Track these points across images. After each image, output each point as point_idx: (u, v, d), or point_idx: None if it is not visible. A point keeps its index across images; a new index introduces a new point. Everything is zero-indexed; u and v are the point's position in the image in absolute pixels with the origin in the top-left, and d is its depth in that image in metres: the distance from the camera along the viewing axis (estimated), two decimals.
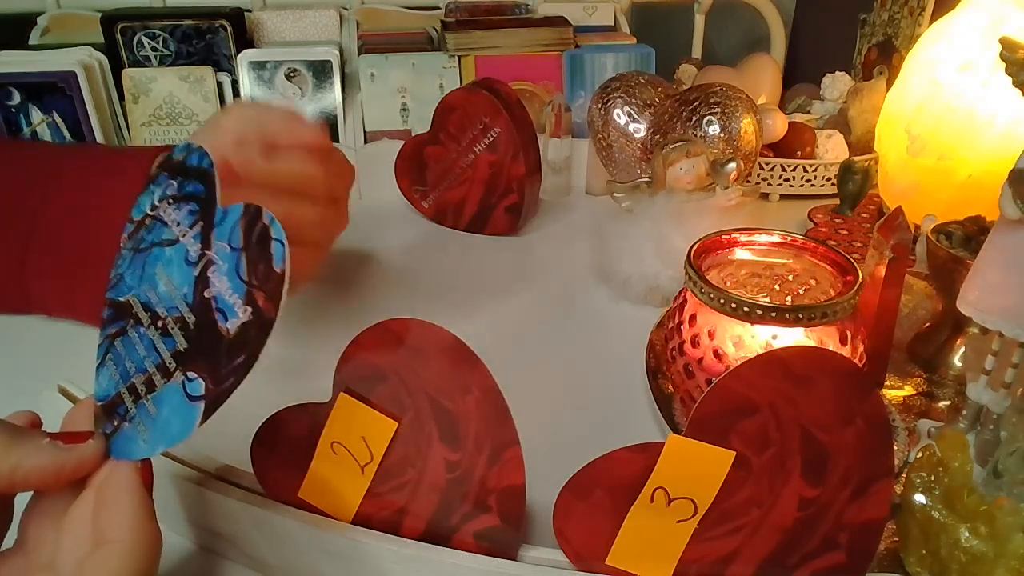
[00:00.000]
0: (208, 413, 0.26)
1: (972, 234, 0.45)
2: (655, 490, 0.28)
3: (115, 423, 0.28)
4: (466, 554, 0.30)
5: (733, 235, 0.43)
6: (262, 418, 0.33)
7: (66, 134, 0.72)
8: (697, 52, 1.09)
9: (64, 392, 0.39)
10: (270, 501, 0.33)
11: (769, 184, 0.76)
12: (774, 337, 0.37)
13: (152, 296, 0.29)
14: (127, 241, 0.31)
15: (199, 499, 0.34)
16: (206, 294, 0.27)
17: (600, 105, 0.72)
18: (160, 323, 0.28)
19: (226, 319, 0.26)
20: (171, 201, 0.30)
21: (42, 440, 0.26)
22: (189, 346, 0.27)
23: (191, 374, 0.27)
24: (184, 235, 0.29)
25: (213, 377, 0.26)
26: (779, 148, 0.75)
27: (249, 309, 0.26)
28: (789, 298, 0.42)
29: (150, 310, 0.29)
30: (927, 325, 0.49)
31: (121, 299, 0.31)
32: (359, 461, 0.31)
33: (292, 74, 0.75)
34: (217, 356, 0.26)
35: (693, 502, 0.28)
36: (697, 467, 0.28)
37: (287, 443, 0.33)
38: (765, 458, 0.27)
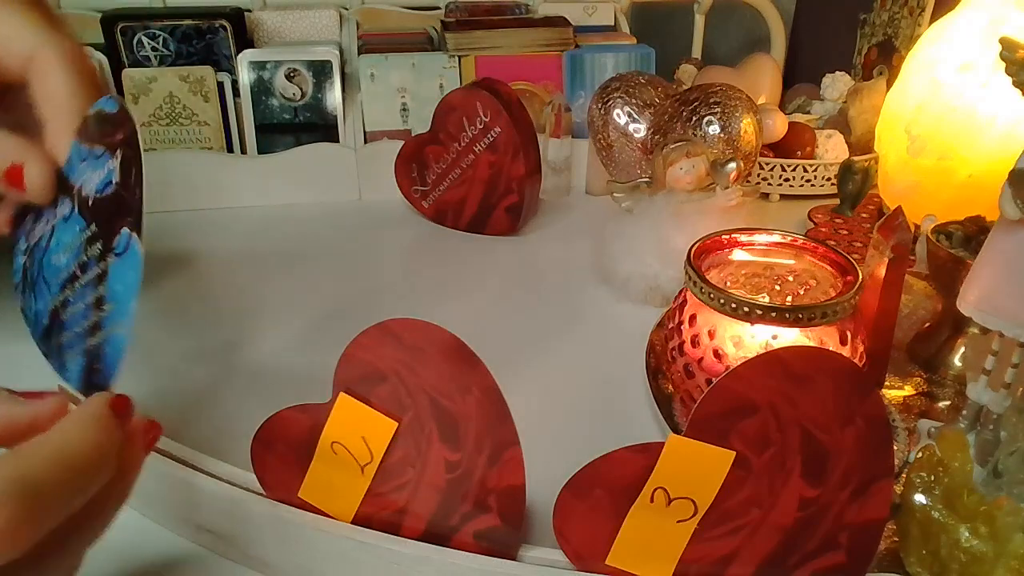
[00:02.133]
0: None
1: (972, 234, 0.45)
2: (655, 490, 0.28)
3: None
4: (466, 554, 0.30)
5: (733, 235, 0.43)
6: (262, 418, 0.33)
7: None
8: (697, 52, 1.09)
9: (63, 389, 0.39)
10: (270, 501, 0.33)
11: (769, 184, 0.76)
12: (774, 337, 0.37)
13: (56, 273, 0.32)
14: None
15: (199, 499, 0.34)
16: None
17: (600, 105, 0.72)
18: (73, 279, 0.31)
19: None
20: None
21: None
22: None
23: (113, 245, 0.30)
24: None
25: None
26: (779, 148, 0.75)
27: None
28: (789, 298, 0.42)
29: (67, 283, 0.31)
30: (927, 325, 0.49)
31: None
32: (359, 461, 0.31)
33: (292, 74, 0.75)
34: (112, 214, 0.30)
35: (693, 502, 0.28)
36: (697, 467, 0.28)
37: (287, 443, 0.32)
38: (765, 458, 0.27)
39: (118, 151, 0.29)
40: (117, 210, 0.30)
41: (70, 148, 0.31)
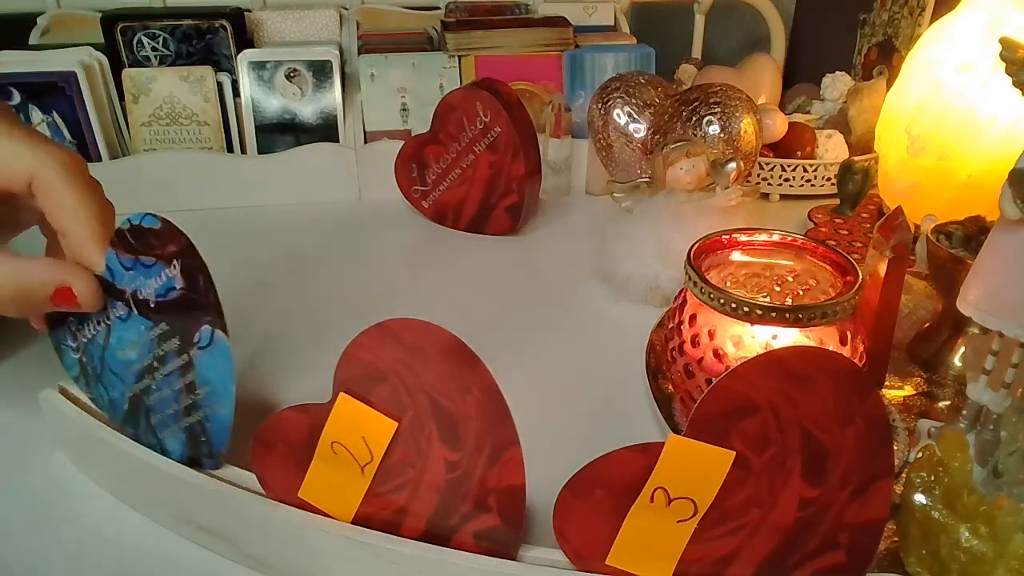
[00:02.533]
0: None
1: (972, 234, 0.45)
2: (655, 490, 0.28)
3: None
4: (466, 554, 0.30)
5: (733, 235, 0.43)
6: (262, 418, 0.33)
7: (66, 134, 0.72)
8: (697, 52, 1.09)
9: (64, 392, 0.39)
10: (270, 501, 0.33)
11: (769, 184, 0.76)
12: (774, 337, 0.37)
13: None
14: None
15: (200, 499, 0.34)
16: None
17: (600, 105, 0.72)
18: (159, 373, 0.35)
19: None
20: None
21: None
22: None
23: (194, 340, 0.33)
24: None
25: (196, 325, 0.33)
26: (779, 148, 0.75)
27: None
28: (789, 298, 0.42)
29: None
30: (927, 325, 0.49)
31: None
32: (359, 461, 0.31)
33: (292, 74, 0.75)
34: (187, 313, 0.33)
35: (693, 502, 0.28)
36: (697, 467, 0.28)
37: (287, 443, 0.32)
38: (765, 458, 0.27)
39: (175, 261, 0.33)
40: (189, 311, 0.33)
41: (98, 252, 0.34)
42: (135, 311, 0.34)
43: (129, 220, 0.33)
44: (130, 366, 0.35)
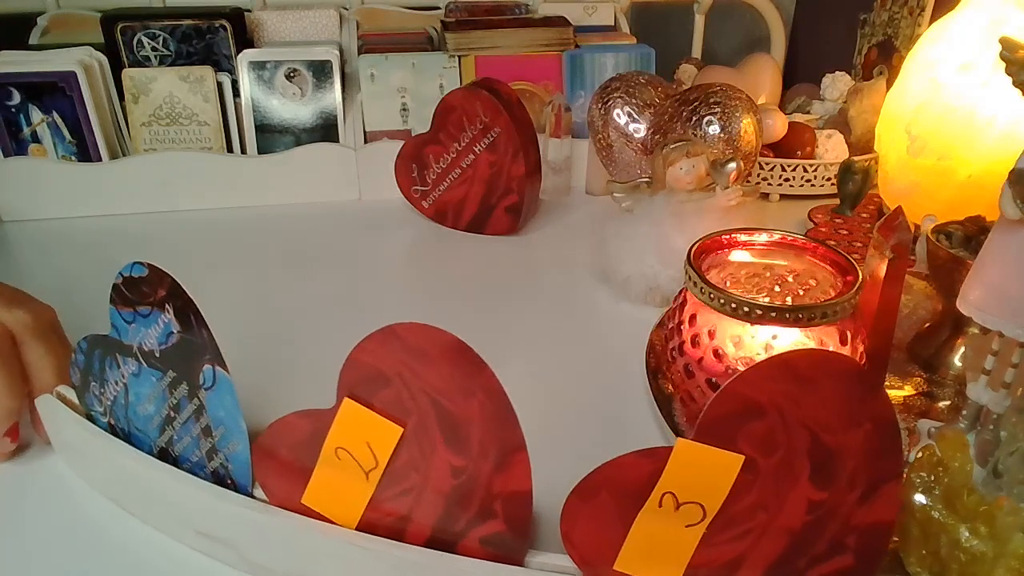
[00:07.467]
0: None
1: (972, 234, 0.46)
2: (663, 495, 0.28)
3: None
4: (472, 560, 0.30)
5: (733, 235, 0.43)
6: (265, 424, 0.33)
7: (66, 134, 0.72)
8: (697, 52, 1.09)
9: (62, 397, 0.39)
10: (273, 507, 0.33)
11: (769, 184, 0.76)
12: (774, 337, 0.38)
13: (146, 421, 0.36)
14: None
15: (202, 505, 0.34)
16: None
17: (600, 105, 0.72)
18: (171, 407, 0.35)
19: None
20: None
21: None
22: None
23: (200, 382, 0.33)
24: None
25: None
26: (779, 148, 0.75)
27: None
28: (789, 298, 0.42)
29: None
30: (927, 325, 0.49)
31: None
32: (363, 467, 0.31)
33: (292, 74, 0.75)
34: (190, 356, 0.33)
35: (701, 506, 0.28)
36: (705, 471, 0.28)
37: (290, 449, 0.32)
38: (773, 461, 0.27)
39: (167, 305, 0.33)
40: (189, 353, 0.33)
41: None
42: (144, 364, 0.35)
43: (121, 273, 0.34)
44: (151, 420, 0.36)
